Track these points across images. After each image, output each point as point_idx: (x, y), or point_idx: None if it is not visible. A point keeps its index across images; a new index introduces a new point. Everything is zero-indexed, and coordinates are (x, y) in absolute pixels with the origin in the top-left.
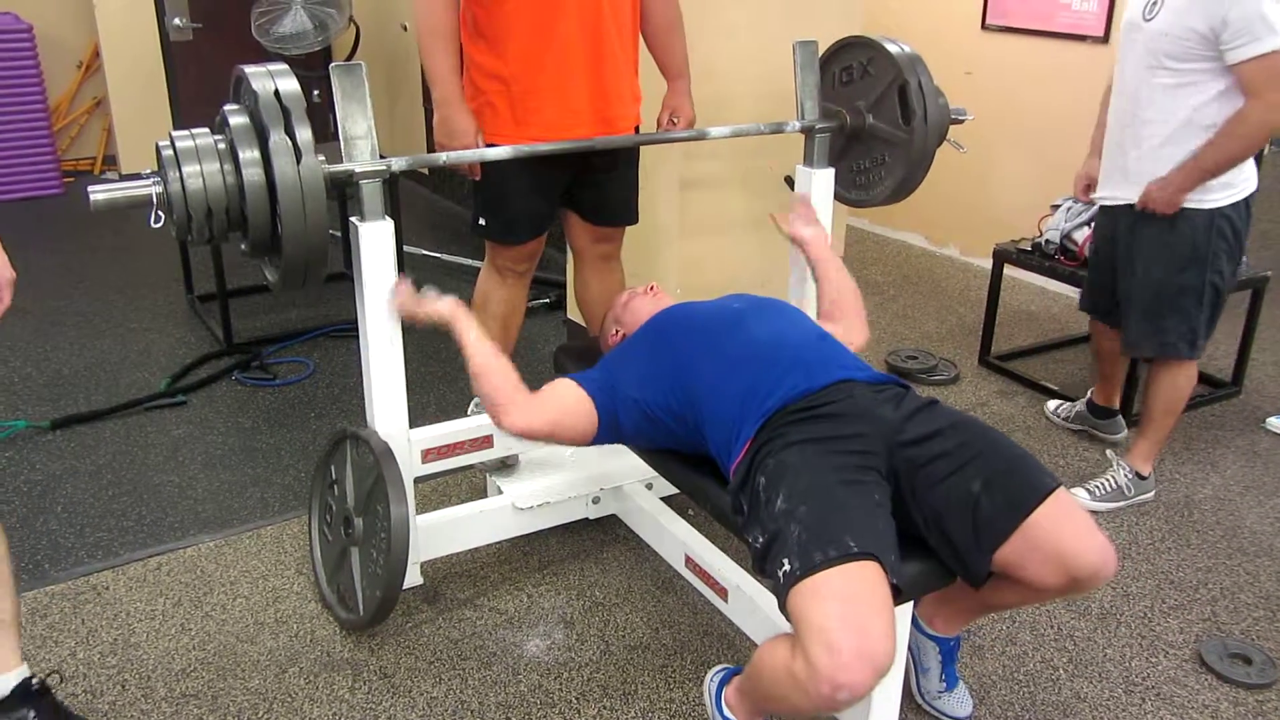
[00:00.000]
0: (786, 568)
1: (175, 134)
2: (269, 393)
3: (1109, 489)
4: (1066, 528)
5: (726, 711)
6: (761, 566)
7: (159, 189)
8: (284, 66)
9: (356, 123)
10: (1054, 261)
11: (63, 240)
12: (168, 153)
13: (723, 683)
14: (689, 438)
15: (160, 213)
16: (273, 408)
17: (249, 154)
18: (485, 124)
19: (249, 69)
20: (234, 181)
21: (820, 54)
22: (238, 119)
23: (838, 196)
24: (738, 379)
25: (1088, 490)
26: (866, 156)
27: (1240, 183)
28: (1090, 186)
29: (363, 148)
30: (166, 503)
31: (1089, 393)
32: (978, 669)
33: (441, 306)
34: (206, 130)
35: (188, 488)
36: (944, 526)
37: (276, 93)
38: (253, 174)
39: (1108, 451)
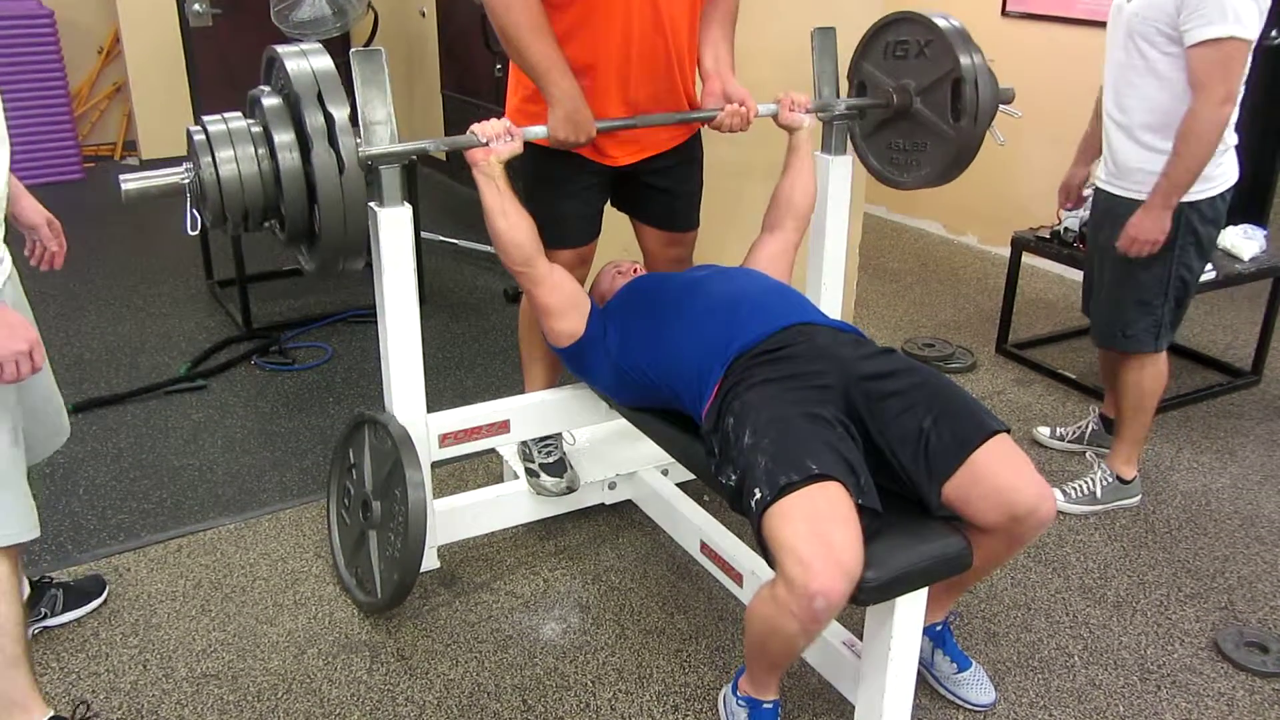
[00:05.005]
0: (757, 495)
1: (207, 118)
2: (288, 377)
3: (1083, 493)
4: (1005, 465)
5: (741, 697)
6: (736, 503)
7: (191, 177)
8: (317, 45)
9: (376, 108)
10: (1073, 249)
11: (83, 226)
12: (199, 138)
13: (734, 684)
14: (659, 394)
15: (195, 207)
16: (292, 392)
17: (284, 137)
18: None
19: (282, 49)
20: (269, 166)
21: (874, 21)
22: (271, 100)
23: (869, 169)
24: (703, 330)
25: (1063, 492)
26: (906, 138)
27: (1216, 177)
28: (1070, 195)
29: (382, 133)
30: (186, 486)
31: (1094, 411)
32: (993, 655)
33: (494, 164)
34: (239, 114)
35: (207, 471)
36: (899, 458)
37: (312, 72)
38: (288, 158)
39: (1088, 454)
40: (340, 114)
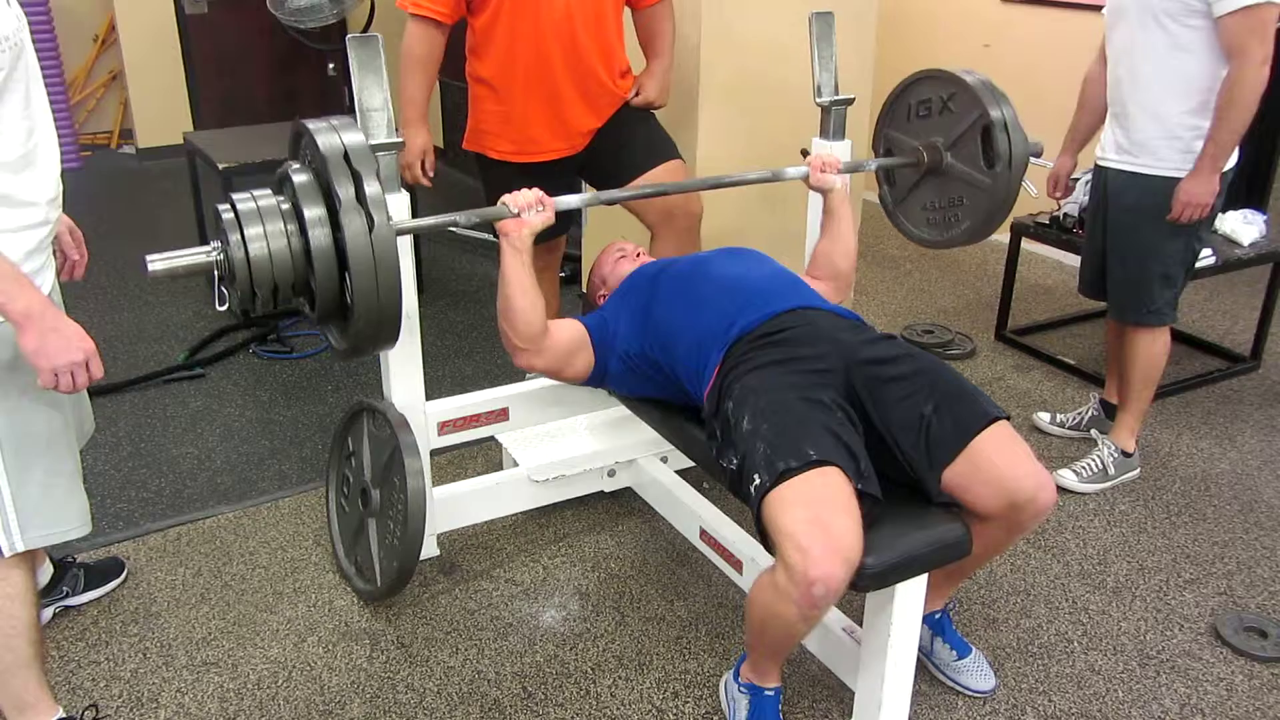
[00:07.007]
0: (757, 481)
1: (235, 195)
2: (286, 366)
3: (1094, 470)
4: (1006, 453)
5: (743, 684)
6: (736, 488)
7: (220, 256)
8: (349, 120)
9: (373, 95)
10: (1072, 235)
11: (80, 214)
12: (228, 216)
13: (736, 670)
14: (667, 384)
15: (223, 288)
16: (290, 381)
17: (314, 211)
18: (485, 125)
19: (310, 124)
20: (299, 243)
21: (896, 85)
22: (301, 177)
23: (909, 235)
24: (704, 313)
25: (1074, 472)
26: (941, 196)
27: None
28: (1059, 185)
29: (379, 120)
30: (186, 474)
31: (1094, 397)
32: (992, 640)
33: (525, 237)
34: (268, 191)
35: (206, 460)
36: (899, 444)
37: (343, 148)
38: (319, 233)
39: (1092, 431)
40: (373, 189)
